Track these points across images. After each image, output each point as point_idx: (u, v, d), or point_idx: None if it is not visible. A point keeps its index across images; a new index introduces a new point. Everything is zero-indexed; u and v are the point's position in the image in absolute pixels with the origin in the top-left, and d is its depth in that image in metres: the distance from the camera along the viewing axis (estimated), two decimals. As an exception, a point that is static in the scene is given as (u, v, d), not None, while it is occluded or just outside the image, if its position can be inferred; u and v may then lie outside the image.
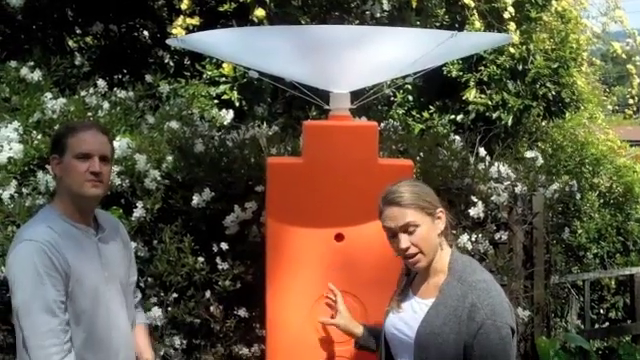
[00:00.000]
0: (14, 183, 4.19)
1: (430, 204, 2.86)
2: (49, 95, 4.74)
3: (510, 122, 7.74)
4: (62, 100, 4.68)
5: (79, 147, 2.99)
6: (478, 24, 6.95)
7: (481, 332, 2.70)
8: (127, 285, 3.24)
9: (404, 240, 2.82)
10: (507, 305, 2.80)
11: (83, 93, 4.98)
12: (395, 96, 8.36)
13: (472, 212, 4.88)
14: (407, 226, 2.81)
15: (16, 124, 4.41)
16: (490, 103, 7.82)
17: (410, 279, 3.02)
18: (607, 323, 7.89)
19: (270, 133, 4.96)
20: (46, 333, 2.84)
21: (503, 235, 5.24)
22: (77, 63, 5.81)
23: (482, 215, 4.97)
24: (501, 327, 2.72)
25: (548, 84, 7.74)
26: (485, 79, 7.84)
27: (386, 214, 2.86)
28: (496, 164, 5.32)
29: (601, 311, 7.99)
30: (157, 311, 4.23)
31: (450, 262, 2.88)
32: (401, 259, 2.94)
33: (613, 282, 7.97)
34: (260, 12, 5.74)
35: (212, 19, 6.13)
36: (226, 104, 6.19)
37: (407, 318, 2.92)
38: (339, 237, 3.62)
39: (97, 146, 3.05)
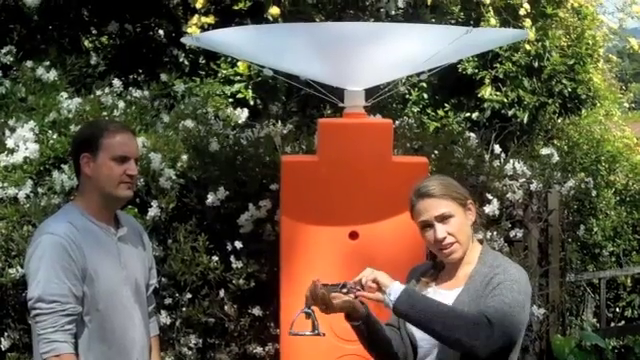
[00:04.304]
0: (30, 183, 4.21)
1: (461, 195, 2.87)
2: (65, 95, 4.76)
3: (526, 119, 7.70)
4: (78, 100, 4.70)
5: (120, 149, 3.00)
6: (494, 21, 6.91)
7: (496, 290, 2.67)
8: (142, 287, 3.24)
9: (440, 230, 2.79)
10: (530, 293, 2.77)
11: (99, 93, 5.00)
12: (410, 94, 8.33)
13: (487, 209, 4.86)
14: (442, 216, 2.79)
15: (32, 124, 4.44)
16: (505, 100, 7.78)
17: (435, 273, 2.96)
18: (623, 321, 7.85)
19: (285, 131, 4.97)
20: (53, 324, 2.84)
21: (518, 233, 5.21)
22: (92, 63, 5.83)
23: (497, 212, 4.94)
24: (518, 291, 2.67)
25: (564, 81, 7.70)
26: (500, 76, 7.79)
27: (419, 207, 2.82)
28: (511, 161, 5.30)
29: (617, 309, 7.94)
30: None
31: (481, 254, 2.86)
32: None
33: (629, 280, 7.92)
34: (275, 10, 5.74)
35: (227, 17, 6.14)
36: (241, 103, 6.20)
37: None
38: (353, 235, 3.61)
39: (134, 149, 3.10)
